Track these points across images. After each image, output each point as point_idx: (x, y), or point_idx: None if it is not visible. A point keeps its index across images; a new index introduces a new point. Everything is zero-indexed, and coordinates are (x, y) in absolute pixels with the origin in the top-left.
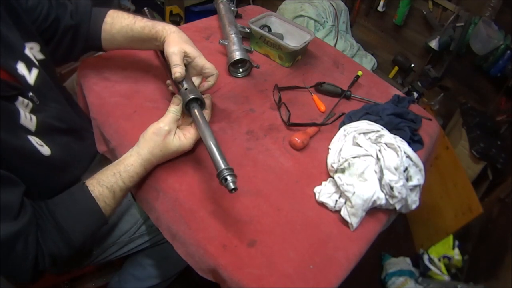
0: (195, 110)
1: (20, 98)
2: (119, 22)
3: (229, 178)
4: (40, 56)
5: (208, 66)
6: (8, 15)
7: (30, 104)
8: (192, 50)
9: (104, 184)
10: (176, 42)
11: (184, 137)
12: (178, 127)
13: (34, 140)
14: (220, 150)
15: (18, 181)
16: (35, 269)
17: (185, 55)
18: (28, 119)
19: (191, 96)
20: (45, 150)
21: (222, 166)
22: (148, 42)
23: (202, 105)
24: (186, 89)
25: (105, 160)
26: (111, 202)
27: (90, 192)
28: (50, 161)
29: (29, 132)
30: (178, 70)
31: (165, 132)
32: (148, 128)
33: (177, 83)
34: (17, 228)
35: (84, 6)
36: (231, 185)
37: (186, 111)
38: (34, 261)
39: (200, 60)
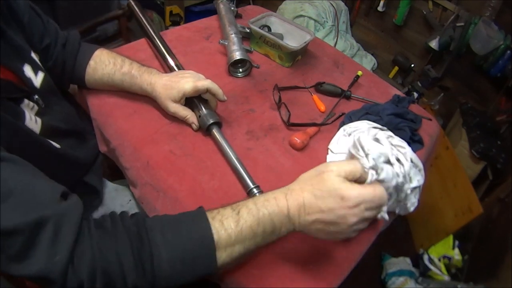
0: (215, 132)
1: (26, 101)
2: (100, 69)
3: (258, 195)
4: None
5: (209, 85)
6: (15, 23)
7: (36, 107)
8: (183, 91)
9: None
10: (166, 97)
11: None
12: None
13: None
14: (246, 169)
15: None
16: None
17: (184, 97)
18: (33, 121)
19: (211, 121)
20: (55, 145)
21: (251, 185)
22: (132, 91)
23: (219, 124)
24: (205, 114)
25: (107, 160)
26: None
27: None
28: (60, 153)
29: (34, 134)
30: (191, 121)
31: None
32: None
33: (195, 106)
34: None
35: (72, 42)
36: None
37: (206, 132)
38: (65, 266)
39: (200, 88)
